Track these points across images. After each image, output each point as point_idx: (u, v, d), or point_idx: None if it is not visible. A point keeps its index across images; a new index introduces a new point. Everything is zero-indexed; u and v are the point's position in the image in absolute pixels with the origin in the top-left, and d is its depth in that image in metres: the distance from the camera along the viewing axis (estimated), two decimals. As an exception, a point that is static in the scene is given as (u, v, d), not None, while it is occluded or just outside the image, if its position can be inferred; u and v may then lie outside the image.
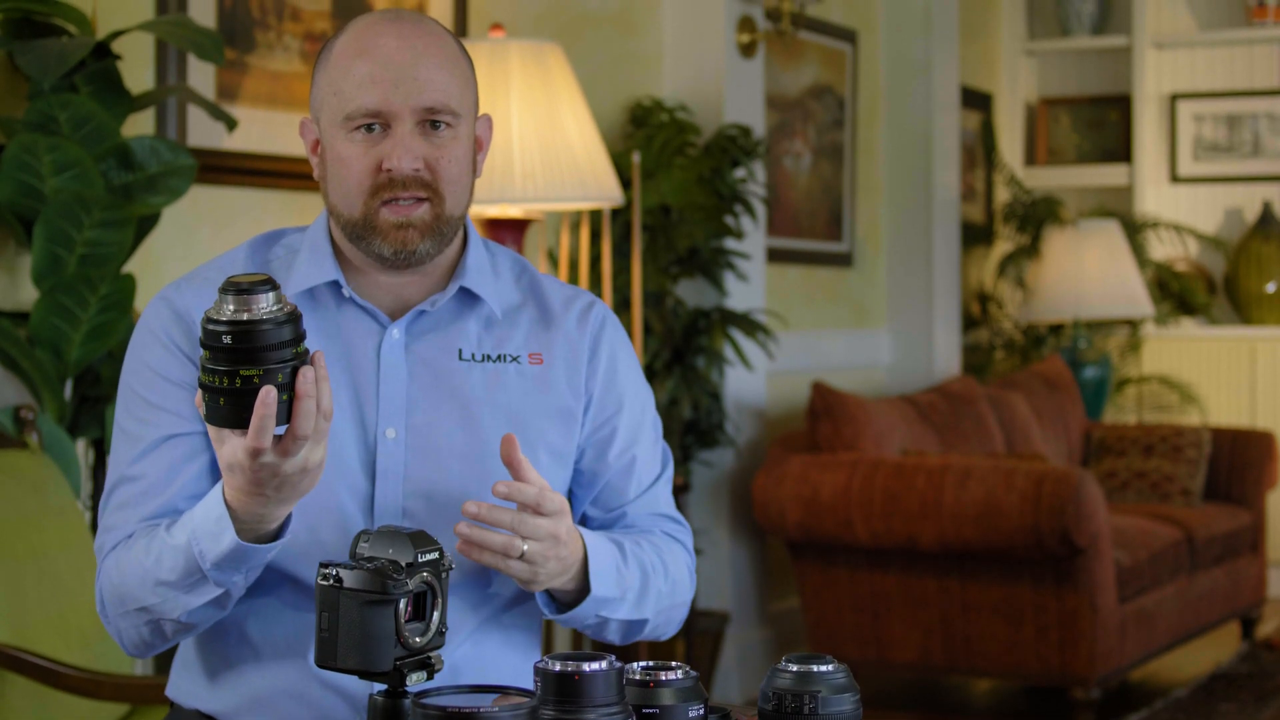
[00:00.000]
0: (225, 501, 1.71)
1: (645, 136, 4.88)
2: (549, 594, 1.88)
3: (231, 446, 1.64)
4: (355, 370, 1.89)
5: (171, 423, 1.86)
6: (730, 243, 5.08)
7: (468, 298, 1.93)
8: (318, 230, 1.94)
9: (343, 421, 1.87)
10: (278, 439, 1.63)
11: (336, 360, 1.89)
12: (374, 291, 1.92)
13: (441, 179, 1.86)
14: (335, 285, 1.91)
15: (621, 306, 4.68)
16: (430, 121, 1.86)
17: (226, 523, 1.71)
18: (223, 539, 1.72)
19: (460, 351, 1.91)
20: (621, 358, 2.01)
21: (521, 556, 1.76)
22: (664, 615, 1.98)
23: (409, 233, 1.85)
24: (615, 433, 1.99)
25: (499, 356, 1.92)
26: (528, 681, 1.85)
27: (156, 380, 1.87)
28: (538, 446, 1.92)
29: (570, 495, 2.01)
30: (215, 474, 1.87)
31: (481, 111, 1.99)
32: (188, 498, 1.85)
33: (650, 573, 1.95)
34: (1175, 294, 7.31)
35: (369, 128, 1.84)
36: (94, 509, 3.25)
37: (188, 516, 1.77)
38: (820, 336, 5.98)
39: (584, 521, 2.02)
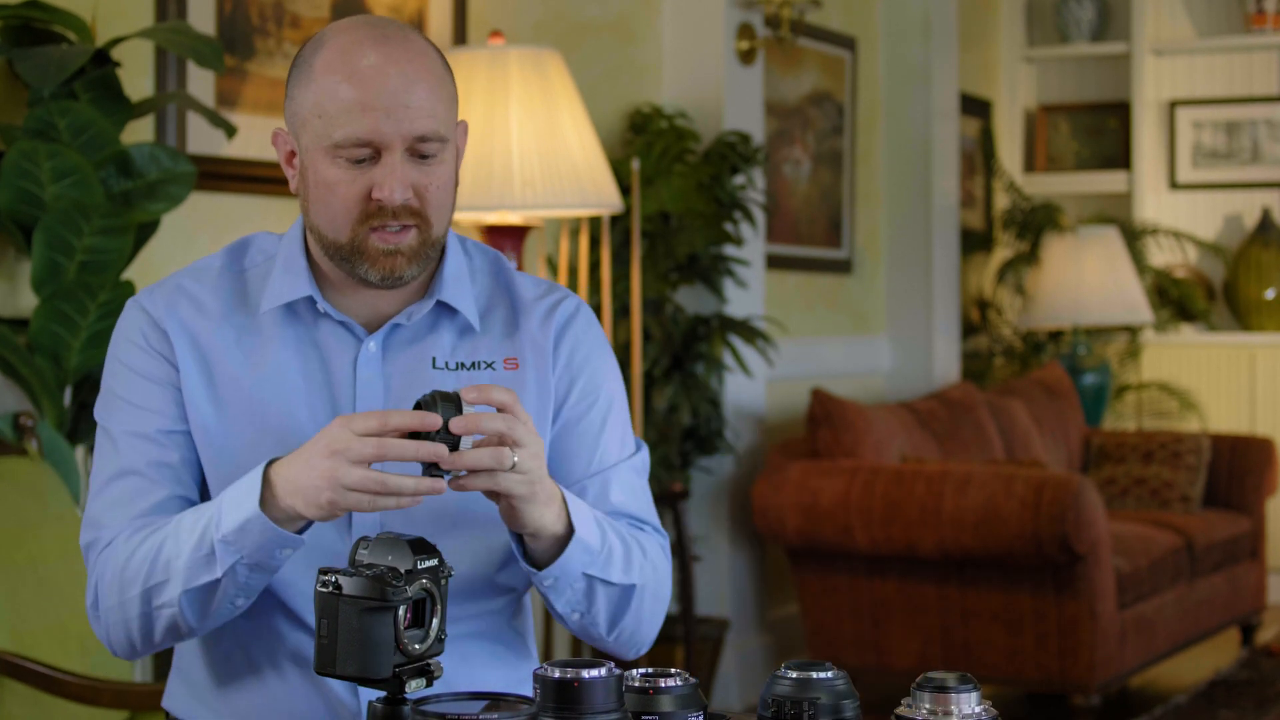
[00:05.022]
0: (266, 476, 1.72)
1: (645, 143, 4.88)
2: (532, 560, 1.82)
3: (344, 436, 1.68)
4: (333, 385, 1.88)
5: (155, 420, 1.87)
6: (730, 249, 5.08)
7: (444, 308, 1.92)
8: (292, 242, 1.92)
9: None
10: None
11: (314, 375, 1.88)
12: (349, 304, 1.90)
13: (429, 205, 1.84)
14: (310, 300, 1.90)
15: (621, 313, 4.69)
16: (419, 149, 1.82)
17: (256, 490, 1.72)
18: (245, 506, 1.72)
19: (434, 360, 1.90)
20: (586, 344, 1.96)
21: (513, 468, 1.71)
22: (649, 596, 1.90)
23: (397, 259, 1.83)
24: (568, 401, 1.94)
25: (473, 364, 1.90)
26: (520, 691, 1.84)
27: (137, 380, 1.88)
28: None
29: None
30: (194, 478, 1.88)
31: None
32: (177, 496, 1.86)
33: (630, 543, 1.89)
34: (1174, 301, 7.31)
35: (357, 156, 1.81)
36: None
37: (217, 498, 1.78)
38: (820, 343, 5.98)
39: None
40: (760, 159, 5.07)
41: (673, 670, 1.56)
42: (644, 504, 1.98)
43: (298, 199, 1.90)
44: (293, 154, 1.88)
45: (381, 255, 1.83)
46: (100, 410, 1.92)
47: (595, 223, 4.63)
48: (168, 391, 1.88)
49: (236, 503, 1.74)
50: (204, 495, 1.90)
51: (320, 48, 1.83)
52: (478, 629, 1.92)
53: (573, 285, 4.51)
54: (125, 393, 1.89)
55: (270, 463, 1.75)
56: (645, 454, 2.01)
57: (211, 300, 1.90)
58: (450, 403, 1.69)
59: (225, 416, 1.87)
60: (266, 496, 1.73)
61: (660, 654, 4.72)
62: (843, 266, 6.16)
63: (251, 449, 1.85)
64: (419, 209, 1.83)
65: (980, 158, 7.29)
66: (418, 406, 1.69)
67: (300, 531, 1.76)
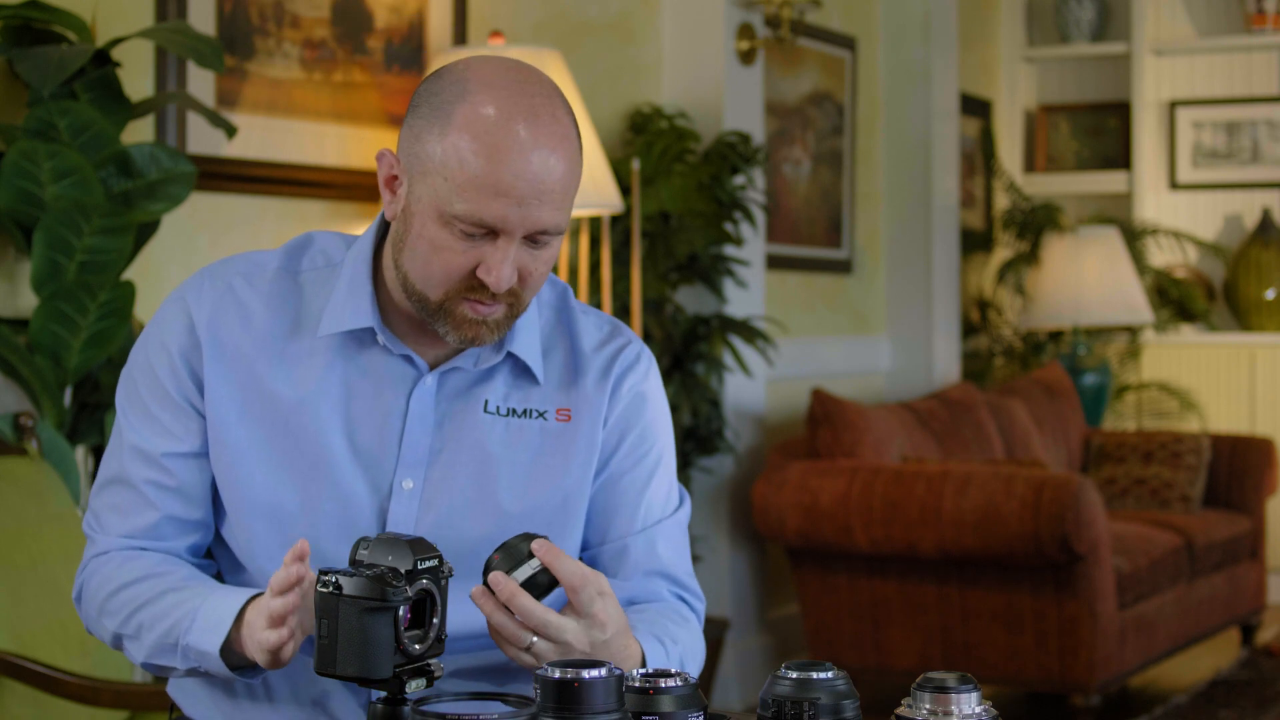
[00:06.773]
0: (242, 612, 1.72)
1: (645, 143, 4.88)
2: None
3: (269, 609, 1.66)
4: (381, 414, 1.83)
5: (163, 441, 1.84)
6: (730, 250, 5.08)
7: (509, 355, 1.87)
8: (360, 261, 1.85)
9: (356, 467, 1.82)
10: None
11: (359, 403, 1.83)
12: (409, 333, 1.85)
13: (528, 287, 1.78)
14: (370, 329, 1.84)
15: (621, 313, 4.68)
16: (536, 238, 1.76)
17: (226, 627, 1.73)
18: (213, 637, 1.73)
19: (486, 403, 1.85)
20: (641, 396, 1.93)
21: (529, 648, 1.69)
22: None
23: (481, 329, 1.78)
24: (616, 454, 1.92)
25: (524, 411, 1.86)
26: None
27: (157, 389, 1.84)
28: (553, 505, 1.87)
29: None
30: (203, 496, 1.86)
31: None
32: (172, 517, 1.85)
33: (685, 657, 1.88)
34: (1174, 301, 7.31)
35: (473, 232, 1.73)
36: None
37: (204, 591, 1.78)
38: (820, 343, 5.98)
39: (582, 549, 1.93)
40: (760, 159, 5.07)
41: (673, 670, 1.56)
42: (685, 565, 1.97)
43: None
44: (395, 178, 1.79)
45: (468, 323, 1.77)
46: (121, 394, 1.88)
47: (595, 223, 4.63)
48: (183, 410, 1.83)
49: (209, 625, 1.74)
50: (216, 506, 1.87)
51: (462, 98, 1.73)
52: (483, 670, 1.88)
53: (573, 285, 4.51)
54: (145, 392, 1.85)
55: (254, 597, 1.74)
56: (688, 507, 1.99)
57: (262, 309, 1.84)
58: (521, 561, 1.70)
59: (256, 438, 1.82)
60: (233, 634, 1.73)
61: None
62: (843, 266, 6.16)
63: (278, 471, 1.82)
64: (517, 290, 1.78)
65: (980, 158, 7.29)
66: (496, 552, 1.70)
67: (257, 674, 1.77)
